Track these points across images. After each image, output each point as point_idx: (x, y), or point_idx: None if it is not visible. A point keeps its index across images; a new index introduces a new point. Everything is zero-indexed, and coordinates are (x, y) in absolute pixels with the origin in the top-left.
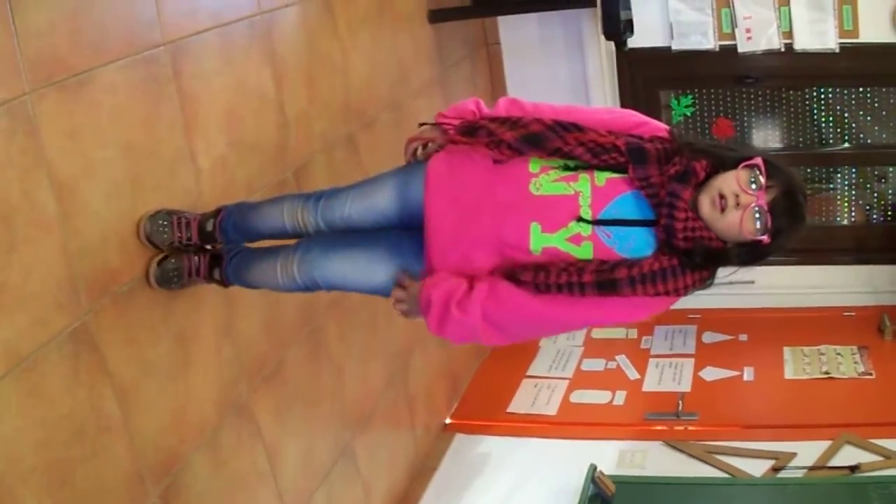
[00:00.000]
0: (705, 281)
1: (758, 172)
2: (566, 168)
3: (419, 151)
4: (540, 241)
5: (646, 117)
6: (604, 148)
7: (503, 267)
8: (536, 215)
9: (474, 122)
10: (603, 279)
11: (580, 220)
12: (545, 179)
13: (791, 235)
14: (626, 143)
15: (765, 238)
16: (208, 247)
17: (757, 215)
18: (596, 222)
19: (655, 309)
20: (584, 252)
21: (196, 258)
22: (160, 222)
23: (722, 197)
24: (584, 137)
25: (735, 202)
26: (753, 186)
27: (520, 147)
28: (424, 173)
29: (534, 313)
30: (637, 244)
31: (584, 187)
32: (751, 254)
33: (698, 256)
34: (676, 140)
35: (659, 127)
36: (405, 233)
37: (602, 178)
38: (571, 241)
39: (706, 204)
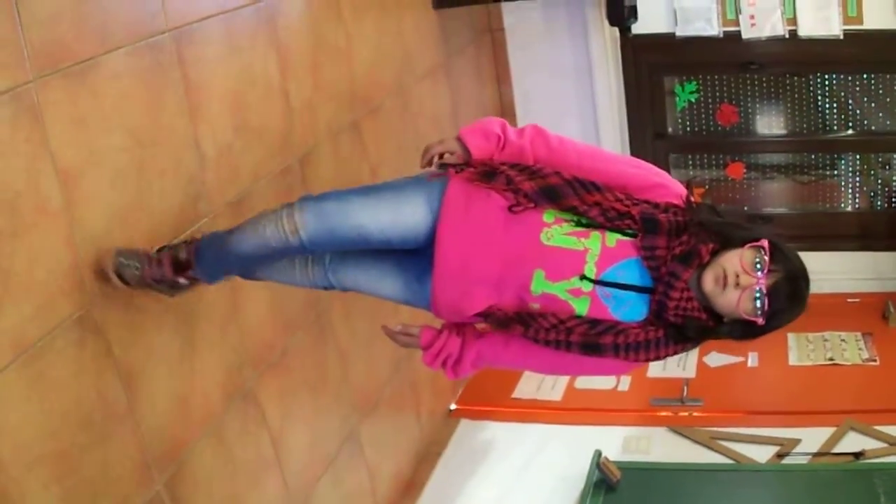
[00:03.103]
0: (687, 349)
1: (762, 254)
2: (579, 224)
3: (435, 160)
4: (541, 286)
5: (667, 178)
6: (618, 213)
7: (497, 307)
8: (542, 263)
9: (494, 167)
10: (589, 342)
11: (583, 277)
12: (558, 231)
13: (787, 318)
14: (641, 213)
15: (759, 320)
16: (182, 280)
17: (756, 296)
18: (597, 282)
19: (636, 367)
20: (581, 305)
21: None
22: (127, 260)
23: (725, 275)
24: (602, 200)
25: (735, 282)
26: (757, 267)
27: (537, 199)
28: (442, 195)
29: (519, 363)
30: (631, 308)
31: (594, 245)
32: (743, 331)
33: (690, 331)
34: (690, 212)
35: (677, 192)
36: (412, 251)
37: (613, 238)
38: (570, 293)
39: (710, 280)
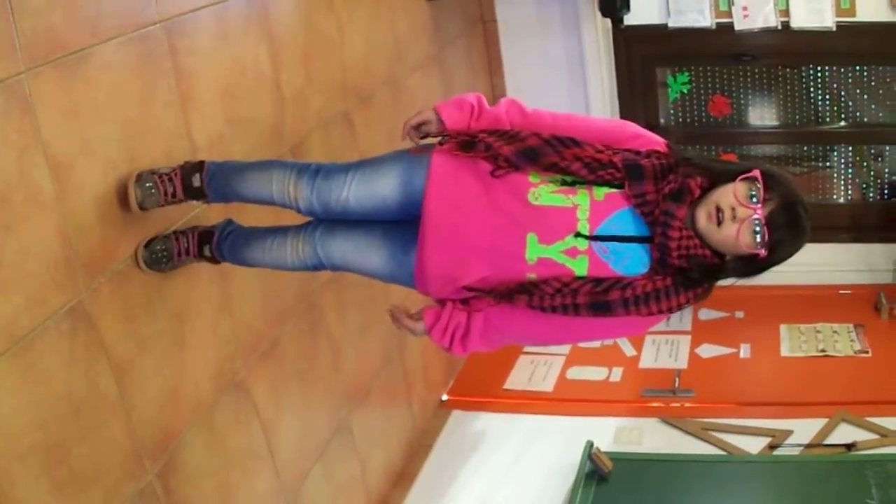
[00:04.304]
0: (699, 297)
1: (756, 185)
2: (564, 182)
3: (413, 134)
4: (536, 251)
5: (642, 129)
6: (601, 164)
7: (494, 279)
8: (534, 226)
9: (473, 136)
10: (596, 301)
11: (577, 234)
12: (544, 190)
13: (791, 248)
14: (623, 160)
15: (762, 252)
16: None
17: (756, 229)
18: (593, 237)
19: (651, 324)
20: (579, 265)
21: (184, 237)
22: (147, 185)
23: (719, 210)
24: (582, 153)
25: (732, 215)
26: (753, 199)
27: (517, 162)
28: (428, 166)
29: (528, 333)
30: (632, 260)
31: (583, 201)
32: (748, 267)
33: (695, 272)
34: (674, 155)
35: (655, 140)
36: (401, 223)
37: (601, 192)
38: (567, 254)
39: (702, 217)
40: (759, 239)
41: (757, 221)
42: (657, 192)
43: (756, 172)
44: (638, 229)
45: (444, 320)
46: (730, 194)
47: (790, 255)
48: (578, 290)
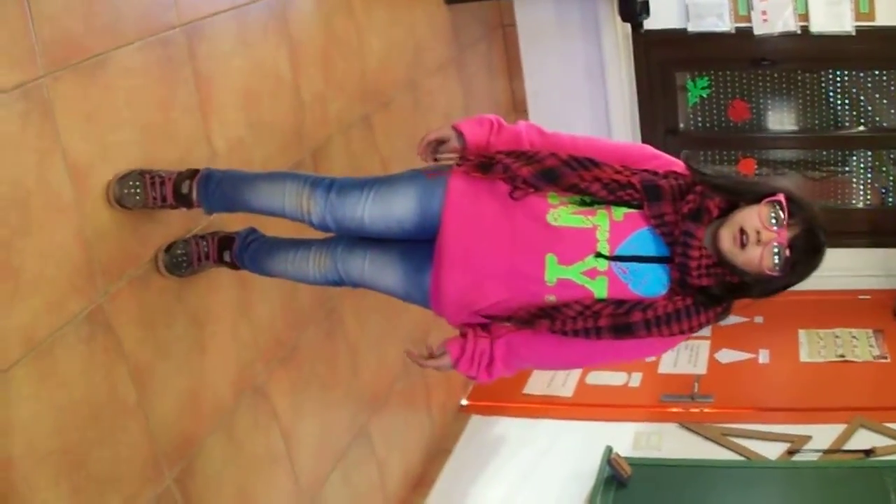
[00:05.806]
0: (719, 315)
1: (779, 209)
2: (583, 203)
3: (429, 152)
4: (555, 272)
5: (658, 151)
6: (619, 185)
7: (512, 303)
8: (553, 247)
9: (491, 157)
10: (618, 323)
11: (598, 255)
12: (564, 211)
13: (808, 271)
14: (642, 180)
15: (780, 274)
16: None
17: (776, 252)
18: (613, 258)
19: (671, 345)
20: (599, 287)
21: (205, 242)
22: (130, 184)
23: (743, 233)
24: (601, 174)
25: (756, 238)
26: (774, 222)
27: (536, 183)
28: (445, 187)
29: (550, 358)
30: (651, 281)
31: (603, 221)
32: (767, 288)
33: (716, 291)
34: (692, 175)
35: (673, 162)
36: (419, 242)
37: (620, 213)
38: (586, 275)
39: (727, 239)
40: (779, 262)
41: (779, 246)
42: (676, 213)
43: (780, 196)
44: (657, 249)
45: (470, 351)
46: (754, 217)
47: (805, 277)
48: (600, 312)
